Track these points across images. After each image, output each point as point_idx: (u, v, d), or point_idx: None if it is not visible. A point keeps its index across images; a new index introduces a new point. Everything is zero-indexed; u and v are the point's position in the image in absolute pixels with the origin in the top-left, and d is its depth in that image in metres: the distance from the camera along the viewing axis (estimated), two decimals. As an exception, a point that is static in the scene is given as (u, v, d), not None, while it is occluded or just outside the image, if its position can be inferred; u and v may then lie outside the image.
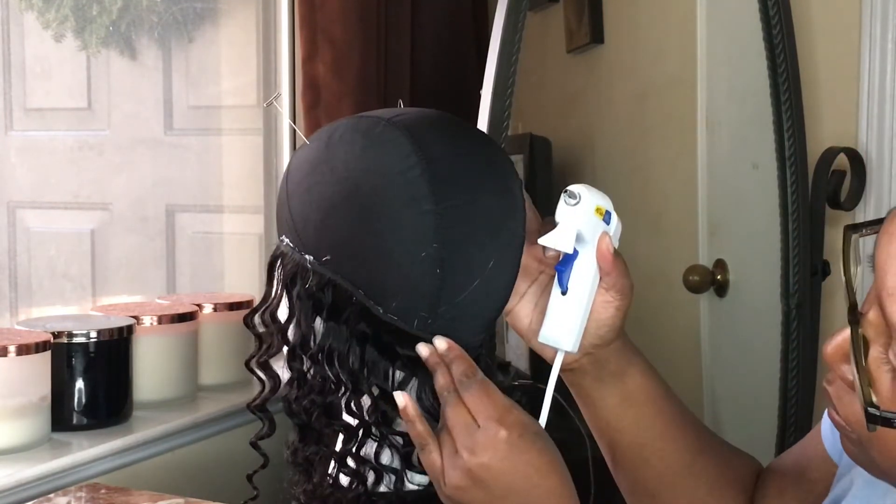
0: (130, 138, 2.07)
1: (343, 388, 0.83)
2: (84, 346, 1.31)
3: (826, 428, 0.88)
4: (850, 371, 0.62)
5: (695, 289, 1.87)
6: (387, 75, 1.91)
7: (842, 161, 1.74)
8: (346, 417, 0.85)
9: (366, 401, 0.84)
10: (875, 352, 0.62)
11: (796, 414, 1.81)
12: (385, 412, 0.83)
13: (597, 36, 2.09)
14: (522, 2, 1.55)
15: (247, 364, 0.88)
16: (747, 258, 1.89)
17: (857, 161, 1.73)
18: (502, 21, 1.52)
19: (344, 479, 0.85)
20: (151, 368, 1.43)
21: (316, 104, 1.79)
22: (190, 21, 2.05)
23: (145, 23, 2.04)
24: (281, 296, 0.85)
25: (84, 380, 1.32)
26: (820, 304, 1.79)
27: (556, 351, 0.86)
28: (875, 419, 0.60)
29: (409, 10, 1.99)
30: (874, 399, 0.61)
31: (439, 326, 0.81)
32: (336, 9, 1.76)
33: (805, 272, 1.76)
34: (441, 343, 0.81)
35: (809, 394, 1.77)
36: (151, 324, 1.43)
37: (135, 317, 1.42)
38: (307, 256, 0.82)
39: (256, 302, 0.89)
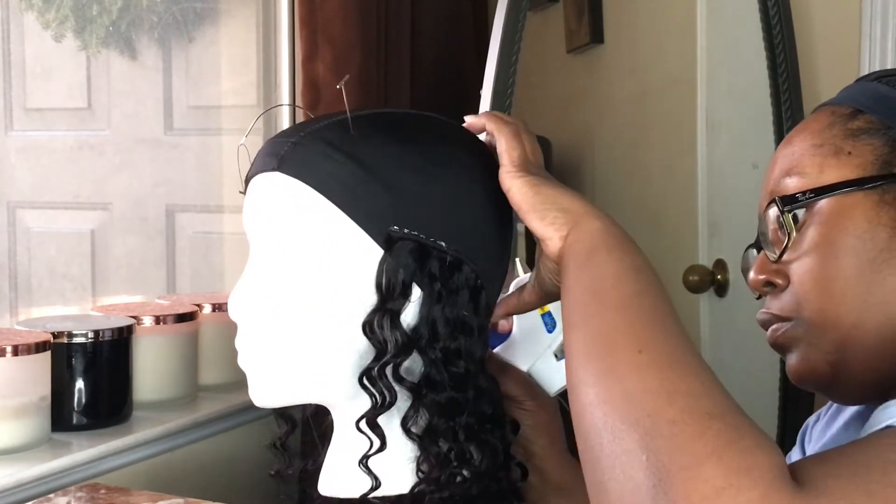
0: (130, 138, 2.07)
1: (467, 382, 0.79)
2: (84, 346, 1.31)
3: None
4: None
5: (695, 289, 1.87)
6: (387, 75, 1.91)
7: (842, 161, 1.74)
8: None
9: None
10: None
11: (796, 414, 1.81)
12: (491, 397, 0.81)
13: (597, 36, 2.10)
14: (522, 2, 1.55)
15: (360, 379, 0.79)
16: (747, 258, 1.89)
17: (857, 161, 1.73)
18: (502, 21, 1.52)
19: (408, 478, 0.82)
20: (151, 368, 1.43)
21: (316, 104, 1.78)
22: (190, 21, 2.05)
23: (145, 23, 2.04)
24: (406, 290, 0.78)
25: (84, 380, 1.32)
26: (820, 304, 1.78)
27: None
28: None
29: (409, 10, 1.98)
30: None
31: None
32: (336, 9, 1.76)
33: (805, 272, 1.76)
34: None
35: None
36: (151, 324, 1.43)
37: (135, 317, 1.41)
38: (441, 243, 0.79)
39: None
